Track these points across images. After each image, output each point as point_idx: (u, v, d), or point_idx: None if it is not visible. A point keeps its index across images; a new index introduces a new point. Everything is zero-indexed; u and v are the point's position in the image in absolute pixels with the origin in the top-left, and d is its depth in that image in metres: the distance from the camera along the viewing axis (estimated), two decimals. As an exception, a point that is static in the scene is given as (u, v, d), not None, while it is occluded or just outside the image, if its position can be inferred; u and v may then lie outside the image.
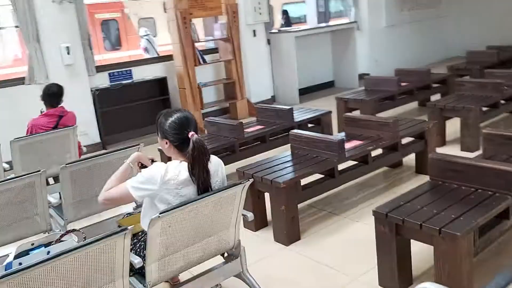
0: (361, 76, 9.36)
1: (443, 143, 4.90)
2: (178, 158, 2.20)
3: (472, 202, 2.49)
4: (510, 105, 5.16)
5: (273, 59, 8.20)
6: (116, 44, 13.62)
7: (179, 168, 2.15)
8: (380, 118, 3.91)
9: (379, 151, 3.94)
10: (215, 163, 2.27)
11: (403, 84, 5.91)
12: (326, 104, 6.76)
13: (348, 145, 3.72)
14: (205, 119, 4.92)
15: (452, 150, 4.76)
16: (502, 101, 5.08)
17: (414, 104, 6.52)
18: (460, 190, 2.65)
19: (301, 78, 8.42)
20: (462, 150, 4.69)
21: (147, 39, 10.38)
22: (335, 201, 3.91)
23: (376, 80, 5.97)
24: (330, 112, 5.14)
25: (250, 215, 2.42)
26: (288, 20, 7.73)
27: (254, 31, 7.71)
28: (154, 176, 2.13)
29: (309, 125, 5.10)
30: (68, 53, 5.98)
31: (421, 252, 2.71)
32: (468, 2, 10.89)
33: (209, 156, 2.21)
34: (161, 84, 6.87)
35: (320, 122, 5.05)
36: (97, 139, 6.45)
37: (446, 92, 6.22)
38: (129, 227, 1.82)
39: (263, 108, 5.04)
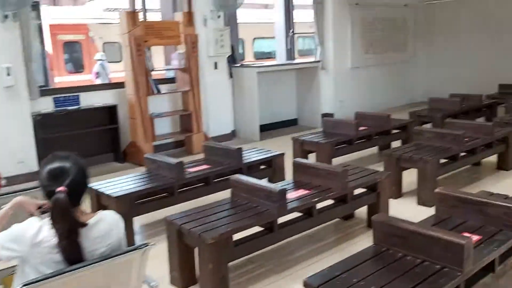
0: (325, 116, 9.19)
1: (399, 194, 4.62)
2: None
3: (417, 277, 2.15)
4: (471, 158, 4.96)
5: (235, 93, 7.92)
6: (79, 67, 13.18)
7: (57, 227, 1.73)
8: (329, 166, 3.60)
9: (328, 202, 3.61)
10: (109, 222, 1.86)
11: (361, 128, 5.68)
12: (287, 143, 6.47)
13: (292, 195, 3.37)
14: (145, 155, 4.51)
15: (408, 204, 4.49)
16: (462, 154, 4.87)
17: (374, 149, 6.29)
18: (406, 260, 2.32)
19: (264, 115, 8.16)
20: (418, 204, 4.42)
21: (101, 64, 10.01)
22: (277, 256, 3.53)
23: (335, 123, 5.73)
24: (283, 154, 4.82)
25: (155, 284, 2.00)
26: (233, 56, 7.50)
27: (215, 63, 7.43)
28: (24, 234, 1.70)
29: (261, 167, 4.77)
30: (8, 74, 5.51)
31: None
32: (435, 49, 11.00)
33: (76, 223, 1.75)
34: (110, 112, 6.45)
35: (271, 165, 4.72)
36: (34, 167, 5.91)
37: (407, 139, 6.02)
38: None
39: (210, 146, 4.68)
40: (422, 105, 10.32)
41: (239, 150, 4.43)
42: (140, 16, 6.54)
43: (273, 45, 14.40)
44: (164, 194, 3.98)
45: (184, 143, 7.09)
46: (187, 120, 6.91)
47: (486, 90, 9.29)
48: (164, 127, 7.02)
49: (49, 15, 12.22)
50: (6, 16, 5.43)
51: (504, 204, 2.70)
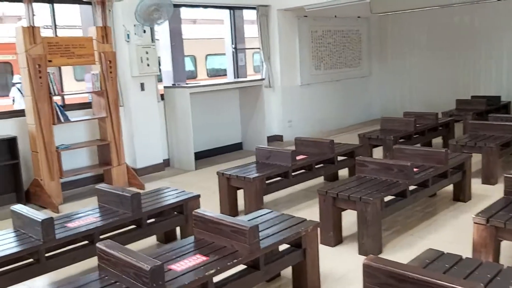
0: (273, 138, 8.40)
1: (338, 241, 3.82)
2: None
3: None
4: (422, 192, 4.20)
5: (168, 117, 7.03)
6: (6, 90, 12.01)
7: None
8: (235, 221, 2.75)
9: (234, 269, 2.74)
10: None
11: (300, 157, 4.88)
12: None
13: (180, 266, 2.50)
14: (11, 207, 3.53)
15: (348, 253, 3.68)
16: (412, 187, 4.12)
17: (318, 180, 5.48)
18: None
19: (202, 140, 7.31)
20: (360, 253, 3.62)
21: (18, 88, 9.00)
22: None
23: (269, 152, 4.89)
24: (198, 196, 3.95)
25: None
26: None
27: (142, 84, 6.55)
28: None
29: (174, 212, 3.88)
30: None
31: None
32: (390, 64, 10.43)
33: None
34: (10, 145, 5.46)
35: (183, 210, 3.84)
36: None
37: (354, 168, 5.27)
38: None
39: (104, 190, 3.75)
40: (375, 123, 9.72)
41: (137, 195, 3.53)
42: (47, 33, 5.63)
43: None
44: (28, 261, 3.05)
45: (104, 178, 6.14)
46: (106, 151, 5.97)
47: (445, 105, 8.74)
48: (79, 160, 6.06)
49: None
50: None
51: (450, 285, 1.90)
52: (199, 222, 2.90)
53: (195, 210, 2.95)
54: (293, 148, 5.25)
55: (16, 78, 9.62)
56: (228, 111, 7.83)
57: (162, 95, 6.98)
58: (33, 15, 5.33)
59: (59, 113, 5.45)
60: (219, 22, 18.53)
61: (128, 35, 6.35)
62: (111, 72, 5.82)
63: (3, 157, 5.47)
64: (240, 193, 4.59)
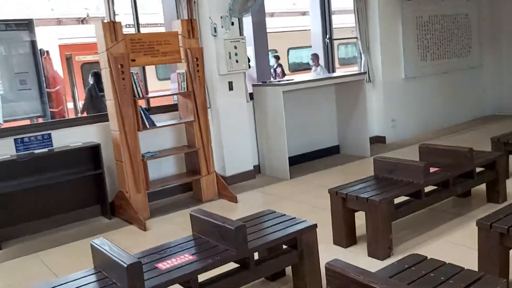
0: (374, 140, 7.39)
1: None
2: None
3: None
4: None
5: (257, 118, 6.29)
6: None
7: None
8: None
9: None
10: None
11: (432, 170, 3.87)
12: (327, 182, 4.79)
13: None
14: (91, 241, 2.91)
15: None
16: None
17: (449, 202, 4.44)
18: None
19: (296, 143, 6.50)
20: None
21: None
22: None
23: (393, 165, 3.89)
24: (315, 226, 3.08)
25: None
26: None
27: (230, 83, 5.86)
28: None
29: (284, 247, 3.08)
30: None
31: None
32: (505, 52, 8.94)
33: None
34: (93, 153, 4.99)
35: (297, 246, 3.01)
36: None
37: (495, 182, 4.21)
38: None
39: (199, 218, 3.01)
40: (492, 121, 8.37)
41: (241, 229, 2.73)
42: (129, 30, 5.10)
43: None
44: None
45: (192, 188, 5.53)
46: (194, 158, 5.34)
47: None
48: (165, 168, 5.50)
49: (56, 35, 11.15)
50: None
51: None
52: (333, 279, 2.06)
53: (328, 263, 2.11)
54: (411, 155, 4.28)
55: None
56: (323, 111, 6.93)
57: (250, 95, 6.25)
58: (114, 12, 4.81)
59: (144, 118, 4.88)
60: (297, 14, 17.62)
61: (215, 28, 5.67)
62: (198, 71, 5.16)
63: (86, 166, 5.03)
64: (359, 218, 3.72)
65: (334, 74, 7.24)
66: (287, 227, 3.03)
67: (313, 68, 9.23)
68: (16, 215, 4.71)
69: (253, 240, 2.85)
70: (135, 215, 4.72)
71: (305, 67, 14.08)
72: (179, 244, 2.93)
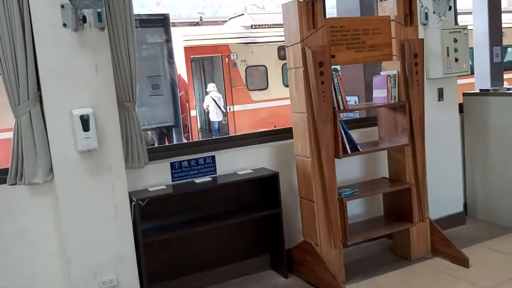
0: None
1: None
2: None
3: None
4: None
5: (468, 141, 4.57)
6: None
7: None
8: None
9: None
10: None
11: None
12: None
13: None
14: None
15: None
16: None
17: None
18: None
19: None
20: None
21: (212, 97, 7.61)
22: None
23: None
24: None
25: None
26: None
27: (439, 90, 4.22)
28: None
29: None
30: (86, 129, 2.95)
31: None
32: None
33: None
34: (265, 185, 3.61)
35: None
36: None
37: None
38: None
39: None
40: None
41: None
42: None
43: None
44: None
45: (392, 237, 3.94)
46: (401, 199, 3.75)
47: None
48: (352, 208, 3.98)
49: (184, 36, 10.27)
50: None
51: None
52: None
53: None
54: None
55: (210, 87, 8.41)
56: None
57: (460, 106, 4.54)
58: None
59: (344, 140, 3.40)
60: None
61: (426, 14, 4.07)
62: (417, 72, 3.58)
63: (256, 202, 3.66)
64: None
65: None
66: None
67: None
68: (165, 270, 3.45)
69: None
70: (331, 280, 3.24)
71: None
72: None
